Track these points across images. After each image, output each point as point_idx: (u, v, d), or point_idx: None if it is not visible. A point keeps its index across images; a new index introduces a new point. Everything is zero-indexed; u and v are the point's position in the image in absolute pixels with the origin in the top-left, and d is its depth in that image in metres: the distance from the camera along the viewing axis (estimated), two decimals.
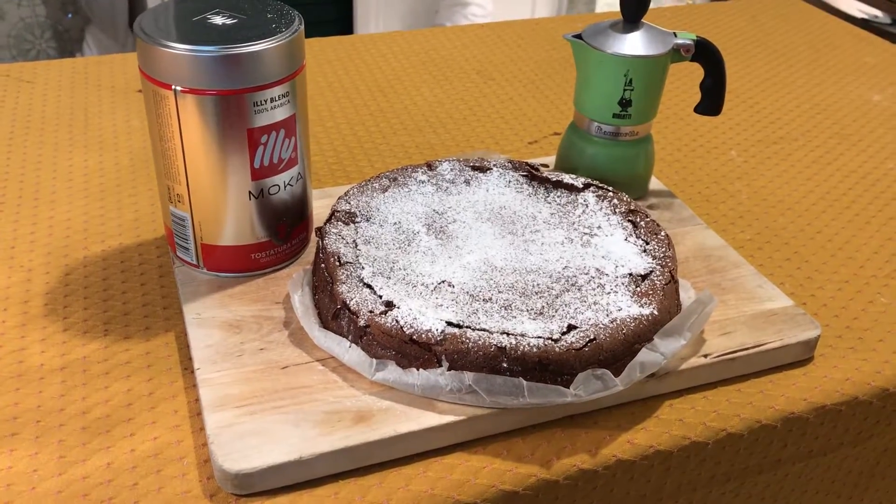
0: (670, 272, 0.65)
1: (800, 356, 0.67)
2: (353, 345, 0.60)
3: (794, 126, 1.03)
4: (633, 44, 0.75)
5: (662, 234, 0.70)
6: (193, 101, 0.60)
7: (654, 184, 0.85)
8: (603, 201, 0.74)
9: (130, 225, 0.79)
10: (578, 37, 0.77)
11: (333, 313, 0.63)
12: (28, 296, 0.69)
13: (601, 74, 0.76)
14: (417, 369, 0.58)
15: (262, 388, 0.59)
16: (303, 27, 0.64)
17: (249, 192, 0.65)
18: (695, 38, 0.76)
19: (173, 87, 0.60)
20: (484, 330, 0.59)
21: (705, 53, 0.77)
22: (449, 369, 0.58)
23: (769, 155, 0.96)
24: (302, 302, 0.65)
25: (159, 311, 0.68)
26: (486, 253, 0.68)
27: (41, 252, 0.74)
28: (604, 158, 0.80)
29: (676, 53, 0.77)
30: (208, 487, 0.54)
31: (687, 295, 0.68)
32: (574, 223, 0.72)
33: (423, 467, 0.56)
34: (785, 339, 0.66)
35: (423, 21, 3.09)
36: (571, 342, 0.58)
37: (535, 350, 0.57)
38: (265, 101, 0.62)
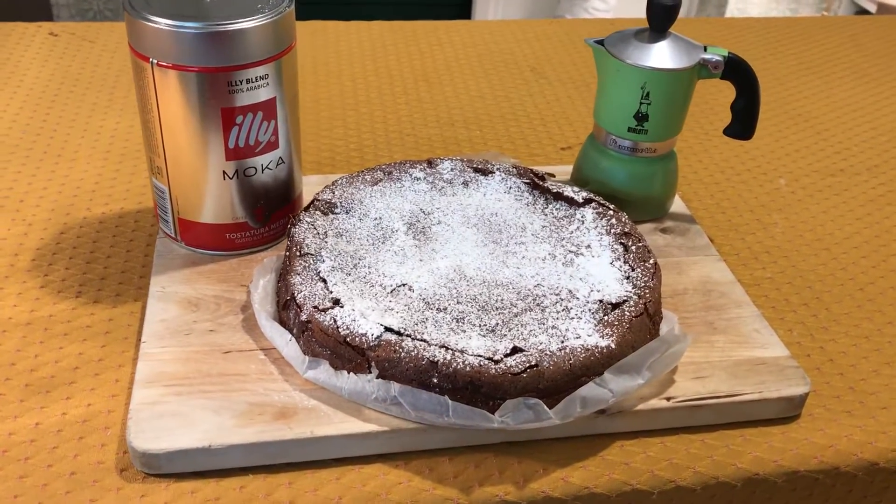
0: (645, 304, 0.61)
1: (782, 413, 0.61)
2: (294, 339, 0.59)
3: (861, 158, 0.94)
4: (654, 55, 0.70)
5: (651, 261, 0.65)
6: (169, 75, 0.60)
7: (678, 205, 0.79)
8: (601, 219, 0.69)
9: (138, 191, 0.80)
10: (601, 43, 0.72)
11: (283, 304, 0.62)
12: (20, 249, 0.72)
13: (618, 85, 0.72)
14: (349, 372, 0.56)
15: (197, 370, 0.59)
16: (292, 8, 0.63)
17: (224, 172, 0.65)
18: (726, 54, 0.70)
19: (151, 59, 0.60)
20: (423, 341, 0.56)
21: (736, 72, 0.71)
22: (379, 377, 0.56)
23: (822, 188, 0.88)
24: (265, 288, 0.64)
25: (135, 279, 0.69)
26: (461, 260, 0.65)
27: (46, 208, 0.77)
28: (617, 174, 0.75)
29: (704, 69, 0.71)
30: (121, 461, 0.54)
31: (669, 330, 0.63)
32: (564, 239, 0.68)
33: (339, 473, 0.55)
34: (765, 393, 0.60)
35: (543, 11, 3.03)
36: (510, 366, 0.55)
37: (468, 369, 0.54)
38: (241, 82, 0.61)
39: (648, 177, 0.75)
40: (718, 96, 1.05)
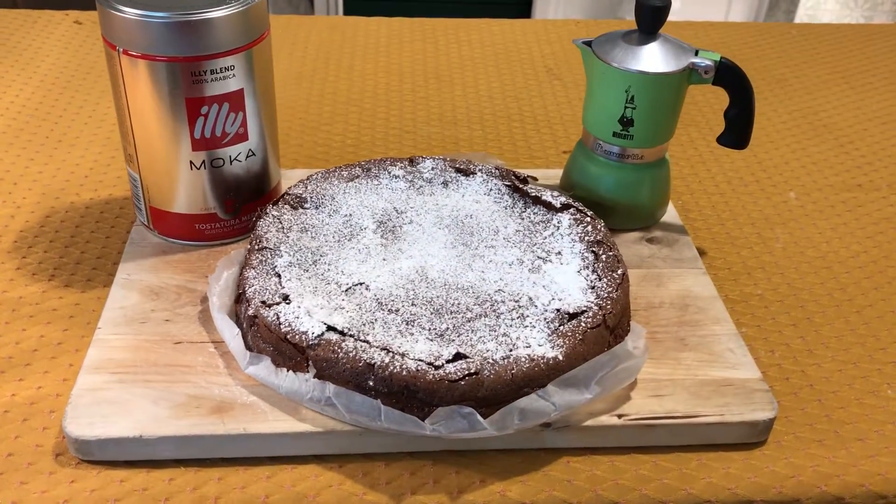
0: (604, 316, 0.58)
1: (744, 438, 0.57)
2: (242, 333, 0.58)
3: (883, 174, 0.89)
4: (640, 58, 0.67)
5: (619, 272, 0.62)
6: (135, 64, 0.60)
7: (670, 215, 0.76)
8: (578, 226, 0.67)
9: (129, 179, 0.81)
10: (588, 44, 0.70)
11: (237, 297, 0.61)
12: (4, 231, 0.73)
13: (603, 88, 0.69)
14: (288, 370, 0.55)
15: (144, 359, 0.59)
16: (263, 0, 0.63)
17: (191, 162, 0.65)
18: (718, 58, 0.67)
19: (118, 47, 0.61)
20: (365, 342, 0.55)
21: (728, 78, 0.68)
22: (316, 377, 0.55)
23: (835, 203, 0.84)
24: (227, 280, 0.64)
25: (108, 266, 0.70)
26: (426, 261, 0.64)
27: (38, 192, 0.78)
28: (604, 180, 0.73)
29: (694, 74, 0.68)
30: (59, 446, 0.55)
31: (635, 345, 0.60)
32: (536, 244, 0.66)
33: (271, 472, 0.54)
34: (726, 416, 0.57)
35: (605, 11, 2.99)
36: (449, 372, 0.53)
37: (404, 373, 0.53)
38: (205, 73, 0.61)
39: (635, 184, 0.72)
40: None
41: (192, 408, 0.55)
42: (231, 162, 0.66)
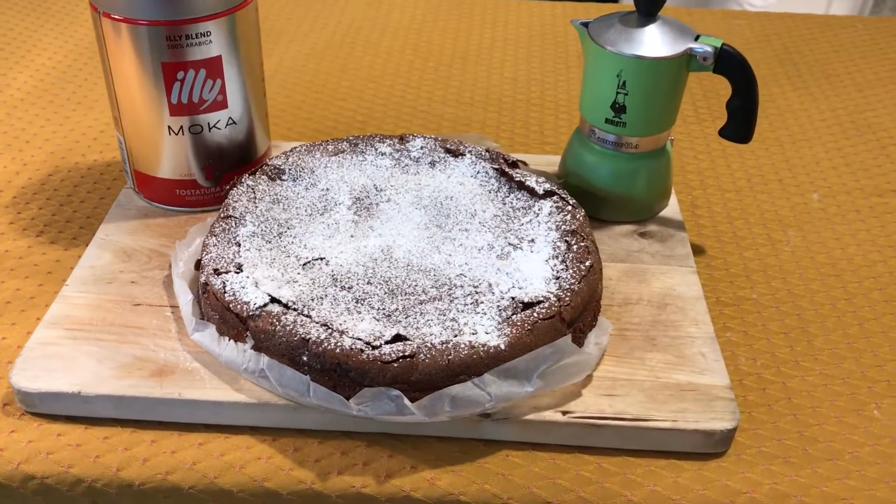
0: (560, 308, 0.56)
1: (701, 448, 0.54)
2: (194, 299, 0.58)
3: None
4: (634, 41, 0.63)
5: (587, 263, 0.59)
6: (115, 27, 0.61)
7: (671, 210, 0.72)
8: (558, 214, 0.64)
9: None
10: (586, 25, 0.67)
11: (196, 263, 0.61)
12: (6, 186, 0.75)
13: (596, 72, 0.66)
14: (230, 340, 0.55)
15: (101, 318, 0.59)
16: None
17: (169, 127, 0.65)
18: (719, 45, 0.63)
19: (99, 9, 0.61)
20: (307, 317, 0.54)
21: (729, 66, 0.64)
22: (254, 348, 0.54)
23: (861, 207, 0.78)
24: (197, 247, 0.64)
25: (96, 225, 0.71)
26: (394, 241, 0.62)
27: (46, 150, 0.80)
28: (596, 169, 0.69)
29: (693, 60, 0.64)
30: (7, 396, 0.56)
31: (598, 341, 0.58)
32: (511, 231, 0.64)
33: (203, 440, 0.54)
34: (679, 423, 0.54)
35: (694, 0, 2.89)
36: (384, 353, 0.52)
37: (337, 351, 0.52)
38: (181, 38, 0.61)
39: (629, 174, 0.69)
40: (766, 95, 0.95)
41: (134, 369, 0.56)
42: (210, 129, 0.66)
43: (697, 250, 0.72)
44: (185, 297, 0.59)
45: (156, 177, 0.68)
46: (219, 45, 0.63)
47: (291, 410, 0.54)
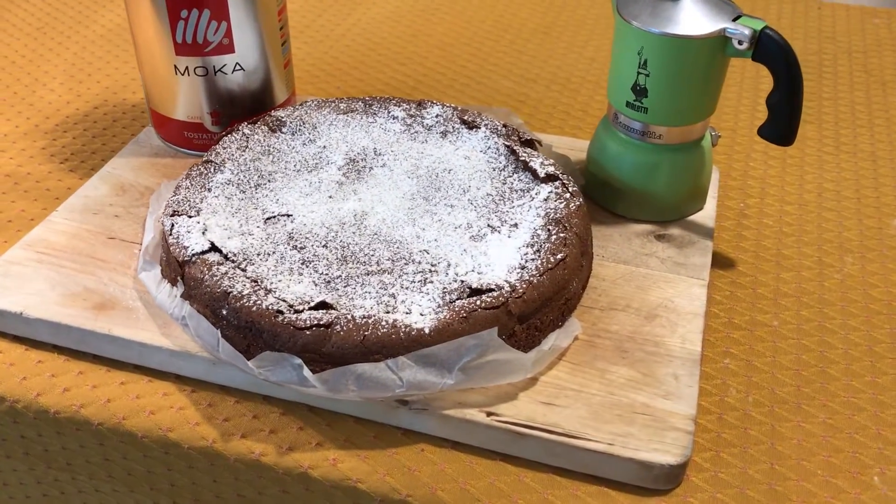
0: (508, 300, 0.50)
1: (637, 480, 0.47)
2: (157, 240, 0.58)
3: None
4: (660, 16, 0.56)
5: (559, 256, 0.53)
6: None
7: (704, 215, 0.64)
8: (553, 200, 0.58)
9: None
10: None
11: (167, 203, 0.61)
12: (54, 114, 0.78)
13: (619, 48, 0.59)
14: (168, 283, 0.54)
15: (73, 246, 0.60)
16: None
17: (175, 67, 0.64)
18: (759, 27, 0.55)
19: None
20: (242, 271, 0.52)
21: (770, 53, 0.55)
22: (183, 295, 0.53)
23: None
24: None
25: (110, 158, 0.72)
26: (373, 207, 0.59)
27: (102, 85, 0.83)
28: (615, 159, 0.63)
29: (728, 43, 0.56)
30: None
31: (557, 343, 0.52)
32: (499, 212, 0.58)
33: (127, 379, 0.53)
34: (615, 447, 0.47)
35: None
36: (298, 318, 0.49)
37: (254, 309, 0.49)
38: None
39: (649, 168, 0.61)
40: (864, 98, 0.82)
41: (80, 299, 0.56)
42: (215, 72, 0.65)
43: (726, 264, 0.63)
44: (147, 236, 0.58)
45: (167, 117, 0.68)
46: None
47: (210, 364, 0.52)
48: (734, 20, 0.56)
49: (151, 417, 0.51)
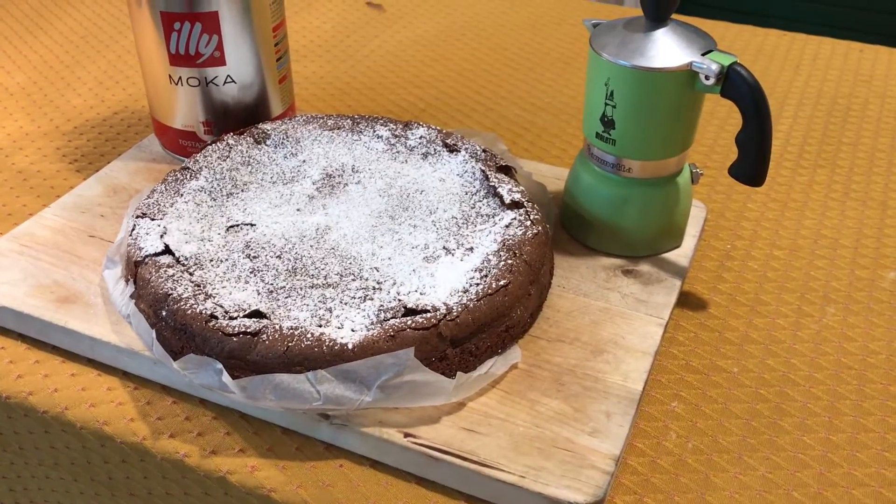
0: (439, 322, 0.50)
1: None
2: (122, 239, 0.60)
3: None
4: (628, 47, 0.55)
5: (502, 283, 0.53)
6: None
7: (679, 254, 0.62)
8: (514, 228, 0.58)
9: None
10: (597, 26, 0.59)
11: (137, 206, 0.63)
12: (76, 117, 0.82)
13: (589, 77, 0.58)
14: (124, 281, 0.56)
15: (54, 241, 0.63)
16: None
17: (170, 76, 0.67)
18: (728, 63, 0.53)
19: None
20: (189, 275, 0.53)
21: (737, 90, 0.53)
22: (133, 294, 0.54)
23: None
24: None
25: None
26: (337, 223, 0.60)
27: (127, 91, 0.87)
28: (588, 190, 0.62)
29: (697, 78, 0.54)
30: None
31: (492, 370, 0.51)
32: (459, 235, 0.58)
33: (77, 371, 0.55)
34: (525, 480, 0.46)
35: None
36: (228, 325, 0.50)
37: (188, 312, 0.51)
38: None
39: (619, 202, 0.60)
40: (873, 141, 0.78)
41: (47, 291, 0.58)
42: (207, 84, 0.67)
43: (698, 305, 0.61)
44: (119, 236, 0.60)
45: (164, 124, 0.71)
46: (217, 1, 0.63)
47: (153, 364, 0.53)
48: (704, 54, 0.54)
49: (91, 410, 0.53)
